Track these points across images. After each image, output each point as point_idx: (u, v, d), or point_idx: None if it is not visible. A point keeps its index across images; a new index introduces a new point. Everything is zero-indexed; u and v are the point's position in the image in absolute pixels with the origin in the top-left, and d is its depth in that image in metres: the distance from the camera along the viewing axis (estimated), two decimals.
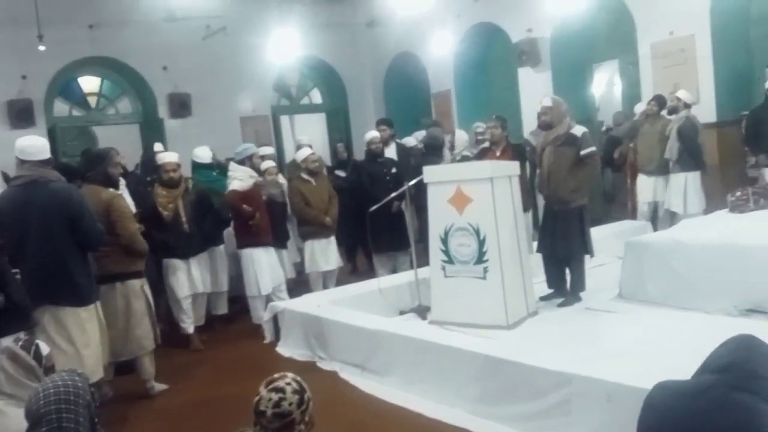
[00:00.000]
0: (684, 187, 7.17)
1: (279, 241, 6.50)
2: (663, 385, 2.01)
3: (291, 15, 9.87)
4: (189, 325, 5.88)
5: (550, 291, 5.64)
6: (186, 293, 5.81)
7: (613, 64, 10.13)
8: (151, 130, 10.43)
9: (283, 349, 5.53)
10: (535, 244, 5.90)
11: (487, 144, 6.75)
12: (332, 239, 6.74)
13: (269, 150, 7.89)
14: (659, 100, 7.69)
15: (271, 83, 11.84)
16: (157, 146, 7.51)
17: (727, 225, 5.53)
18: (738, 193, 5.97)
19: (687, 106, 7.25)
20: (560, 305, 5.45)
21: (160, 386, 4.82)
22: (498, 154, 6.32)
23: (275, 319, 5.75)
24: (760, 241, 4.80)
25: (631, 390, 2.90)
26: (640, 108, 8.09)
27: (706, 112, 7.88)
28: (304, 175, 6.66)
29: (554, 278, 5.60)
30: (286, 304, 5.83)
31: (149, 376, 4.77)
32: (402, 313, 5.72)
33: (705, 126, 7.68)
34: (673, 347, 4.07)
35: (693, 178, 7.19)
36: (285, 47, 9.82)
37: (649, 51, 8.52)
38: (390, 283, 6.06)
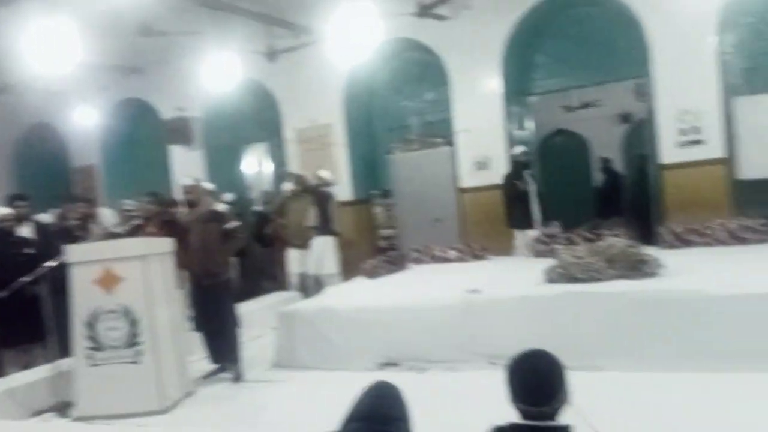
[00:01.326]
0: (321, 251, 7.88)
1: None
2: None
3: None
4: None
5: (215, 367, 5.55)
6: None
7: (262, 146, 10.75)
8: None
9: None
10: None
11: (139, 221, 6.48)
12: None
13: None
14: (301, 181, 8.40)
15: None
16: None
17: (366, 290, 6.20)
18: (372, 262, 6.77)
19: (327, 183, 8.12)
20: (221, 379, 5.39)
21: None
22: (152, 231, 6.12)
23: None
24: (392, 303, 5.49)
25: None
26: (286, 187, 8.70)
27: (343, 191, 8.88)
28: None
29: (214, 353, 5.53)
30: None
31: None
32: (38, 413, 4.97)
33: (343, 203, 8.63)
34: (324, 408, 4.31)
35: (328, 242, 7.97)
36: None
37: (293, 136, 9.31)
38: (21, 381, 5.23)
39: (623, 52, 8.07)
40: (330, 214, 8.04)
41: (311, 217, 7.98)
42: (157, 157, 10.28)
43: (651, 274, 4.83)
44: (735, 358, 4.10)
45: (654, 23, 7.34)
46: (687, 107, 7.30)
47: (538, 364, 2.02)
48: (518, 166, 7.67)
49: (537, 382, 1.98)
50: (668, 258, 5.12)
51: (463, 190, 8.39)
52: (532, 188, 7.55)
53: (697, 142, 7.24)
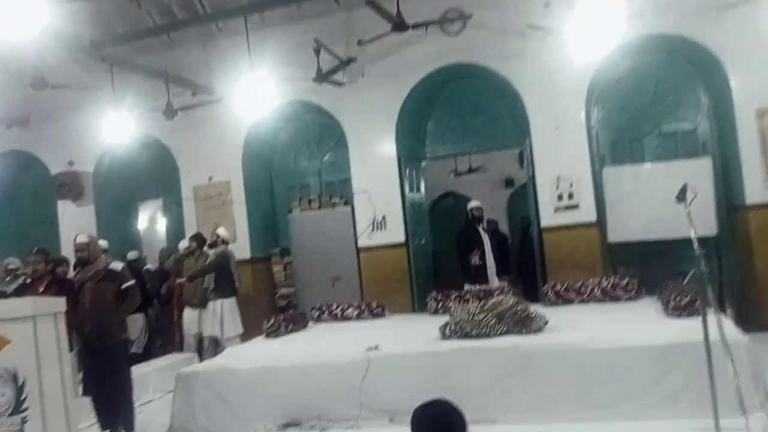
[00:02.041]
0: (221, 313, 7.80)
1: None
2: None
3: None
4: None
5: None
6: None
7: (158, 202, 10.56)
8: None
9: None
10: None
11: (27, 279, 6.18)
12: None
13: None
14: (198, 238, 8.34)
15: None
16: None
17: (265, 349, 6.21)
18: (271, 321, 6.79)
19: (225, 242, 8.10)
20: None
21: None
22: (41, 290, 5.85)
23: None
24: (292, 362, 5.54)
25: None
26: (183, 244, 8.59)
27: (242, 249, 8.88)
28: None
29: (106, 419, 5.31)
30: None
31: None
32: None
33: (242, 261, 8.63)
34: None
35: (228, 304, 7.90)
36: None
37: (191, 193, 9.24)
38: None
39: (507, 121, 8.78)
40: (232, 274, 7.98)
41: (208, 277, 7.88)
42: (44, 212, 9.83)
43: (537, 330, 5.22)
44: (616, 407, 4.49)
45: (532, 97, 8.06)
46: (563, 174, 7.99)
47: (442, 413, 2.21)
48: (472, 221, 8.07)
49: (442, 429, 2.17)
50: (551, 314, 5.54)
51: (362, 249, 8.64)
52: (486, 242, 7.90)
53: (572, 207, 7.92)
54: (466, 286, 7.63)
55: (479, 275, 7.81)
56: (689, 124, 8.17)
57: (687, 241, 7.42)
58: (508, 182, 15.02)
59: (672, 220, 7.52)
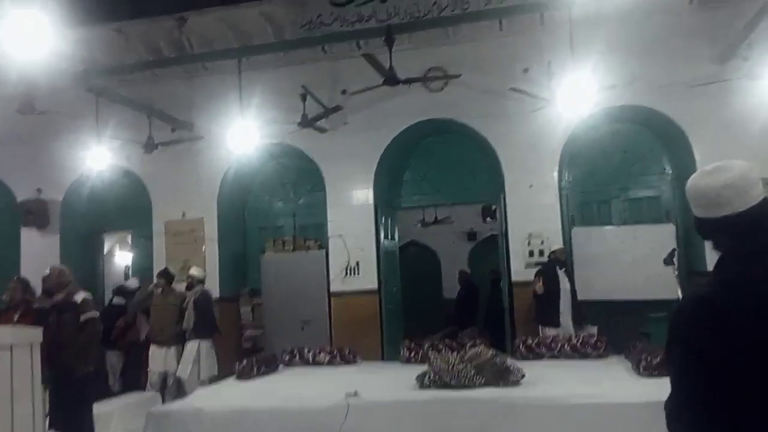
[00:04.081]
0: (197, 354, 7.65)
1: None
2: None
3: None
4: None
5: None
6: None
7: (126, 235, 10.38)
8: None
9: None
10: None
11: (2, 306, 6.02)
12: None
13: None
14: (166, 275, 8.20)
15: None
16: None
17: (239, 392, 6.11)
18: (244, 362, 6.71)
19: (200, 281, 8.00)
20: None
21: None
22: (16, 318, 5.70)
23: None
24: (268, 405, 5.48)
25: None
26: (133, 283, 8.51)
27: (210, 287, 8.74)
28: None
29: None
30: None
31: None
32: None
33: None
34: None
35: (207, 345, 7.77)
36: None
37: (162, 228, 9.14)
38: None
39: (483, 177, 9.05)
40: (213, 315, 7.85)
41: (188, 317, 7.71)
42: (7, 239, 9.54)
43: (515, 383, 5.33)
44: None
45: (508, 155, 8.37)
46: (534, 231, 8.26)
47: None
48: (552, 264, 7.75)
49: None
50: (524, 368, 5.67)
51: (333, 294, 8.66)
52: (564, 287, 7.59)
53: (542, 264, 8.15)
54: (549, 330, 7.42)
55: (551, 319, 7.54)
56: (654, 191, 8.61)
57: (650, 303, 7.84)
58: (471, 235, 15.35)
59: (637, 282, 7.91)
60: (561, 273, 7.68)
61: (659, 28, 7.89)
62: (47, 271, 5.52)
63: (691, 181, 1.75)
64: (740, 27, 7.05)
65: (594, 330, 7.37)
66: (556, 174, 8.30)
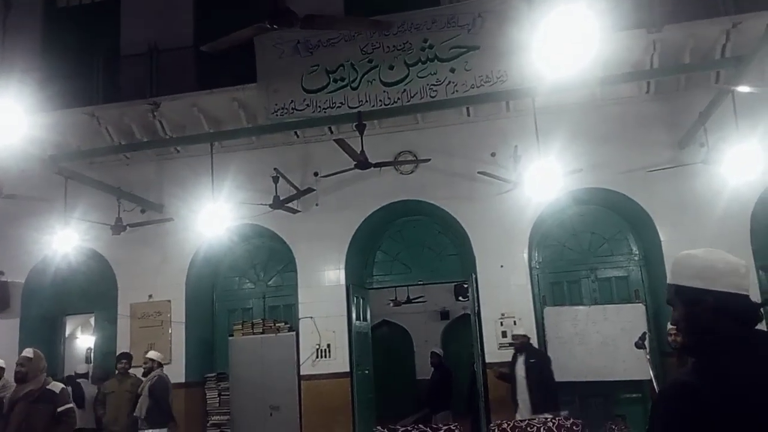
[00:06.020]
0: None
1: None
2: None
3: None
4: None
5: None
6: None
7: (89, 318, 10.07)
8: None
9: None
10: None
11: None
12: None
13: None
14: (128, 358, 7.86)
15: None
16: None
17: None
18: None
19: (160, 365, 7.68)
20: None
21: None
22: None
23: None
24: None
25: None
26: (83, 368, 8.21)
27: (176, 371, 8.48)
28: None
29: None
30: None
31: None
32: None
33: (175, 385, 8.17)
34: None
35: None
36: None
37: (128, 310, 8.92)
38: None
39: (454, 257, 9.11)
40: (169, 402, 7.51)
41: (140, 405, 7.36)
42: None
43: None
44: None
45: (478, 236, 8.45)
46: (506, 312, 8.26)
47: None
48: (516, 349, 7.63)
49: None
50: None
51: (304, 378, 8.45)
52: (520, 373, 7.45)
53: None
54: None
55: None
56: (623, 271, 8.74)
57: (621, 383, 7.81)
58: (444, 314, 15.31)
59: (608, 362, 7.91)
60: (520, 359, 7.54)
61: (619, 116, 8.25)
62: (28, 354, 5.15)
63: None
64: (695, 115, 7.41)
65: (564, 414, 7.25)
66: (526, 254, 8.39)
